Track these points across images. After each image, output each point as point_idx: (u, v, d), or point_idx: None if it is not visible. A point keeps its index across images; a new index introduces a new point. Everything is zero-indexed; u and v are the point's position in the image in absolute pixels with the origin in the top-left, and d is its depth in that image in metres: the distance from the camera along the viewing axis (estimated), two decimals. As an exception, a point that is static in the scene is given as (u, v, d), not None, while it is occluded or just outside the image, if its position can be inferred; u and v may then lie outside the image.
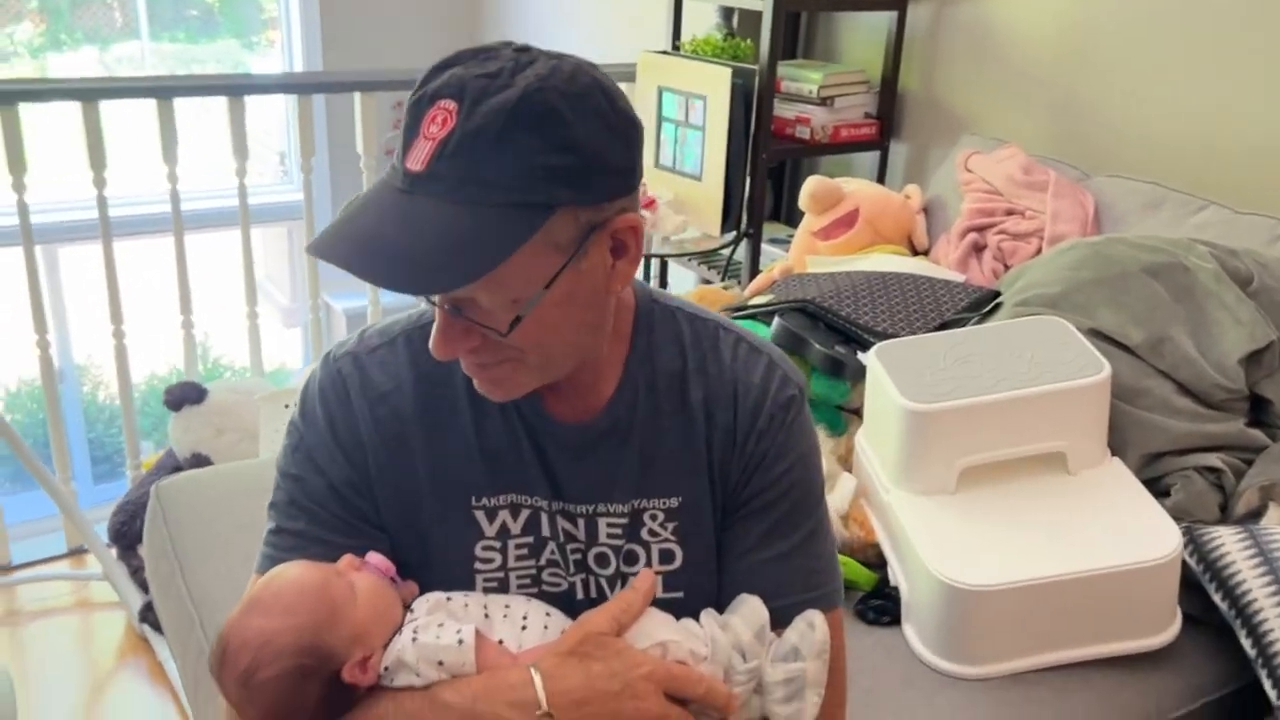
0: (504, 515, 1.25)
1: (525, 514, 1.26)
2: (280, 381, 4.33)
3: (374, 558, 1.21)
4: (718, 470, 1.24)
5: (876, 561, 1.79)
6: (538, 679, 1.11)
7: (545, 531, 1.26)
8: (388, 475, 1.23)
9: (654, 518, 1.26)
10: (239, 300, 3.47)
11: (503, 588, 1.27)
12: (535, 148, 0.88)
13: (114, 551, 3.19)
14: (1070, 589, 1.51)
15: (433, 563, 1.25)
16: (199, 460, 3.06)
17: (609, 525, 1.25)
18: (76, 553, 3.49)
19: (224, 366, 5.53)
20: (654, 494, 1.25)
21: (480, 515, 1.25)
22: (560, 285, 0.98)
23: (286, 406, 2.99)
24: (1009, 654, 1.55)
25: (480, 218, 0.88)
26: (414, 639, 1.13)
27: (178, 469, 3.09)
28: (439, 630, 1.14)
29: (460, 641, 1.12)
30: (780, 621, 1.18)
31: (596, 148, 0.91)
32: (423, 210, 0.89)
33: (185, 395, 3.10)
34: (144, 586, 3.02)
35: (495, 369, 1.11)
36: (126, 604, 3.11)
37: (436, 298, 1.04)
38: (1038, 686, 1.56)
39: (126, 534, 3.11)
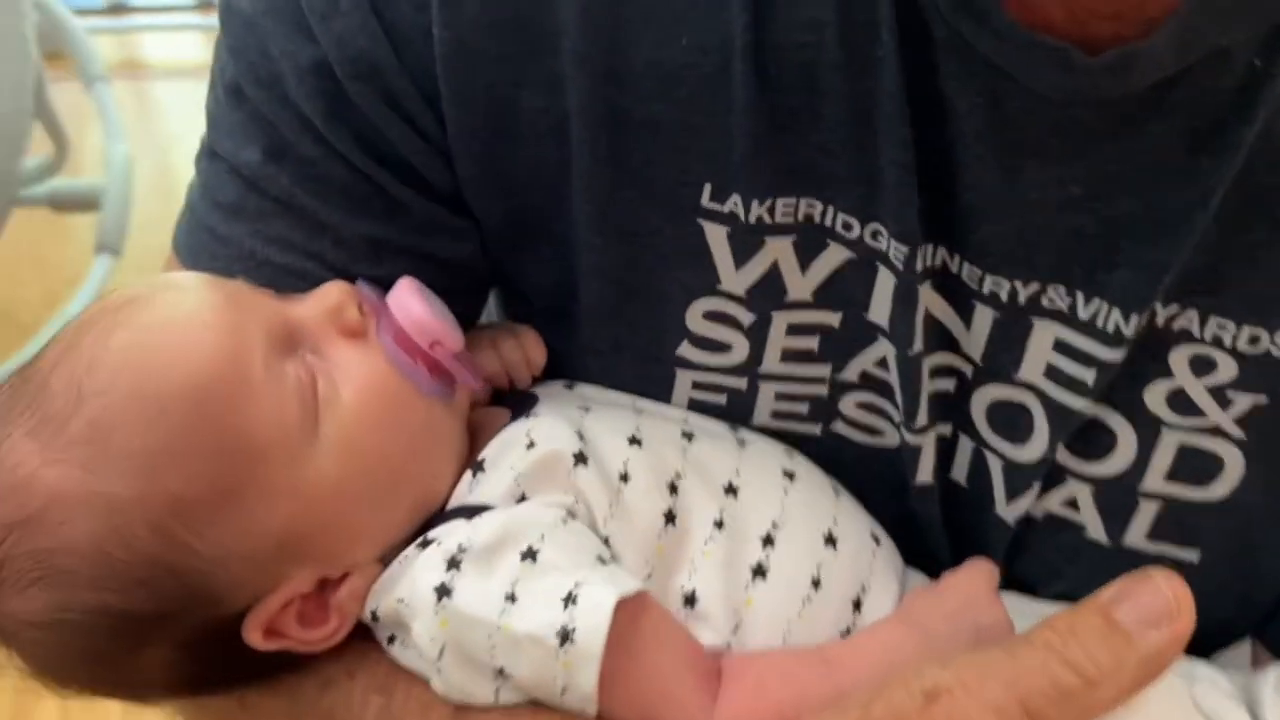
0: (777, 247, 0.45)
1: (839, 257, 0.45)
2: None
3: (406, 295, 0.46)
4: None
5: None
6: None
7: (881, 311, 0.46)
8: (477, 75, 0.44)
9: (1203, 366, 0.43)
10: None
11: (734, 412, 0.50)
12: None
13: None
14: None
15: (576, 329, 0.49)
16: None
17: (1067, 347, 0.44)
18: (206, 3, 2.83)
19: None
20: (1248, 304, 0.41)
21: (715, 232, 0.45)
22: None
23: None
24: None
25: None
26: (440, 586, 0.40)
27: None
28: (517, 571, 0.40)
29: (565, 634, 0.38)
30: None
31: None
32: None
33: None
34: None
35: None
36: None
37: None
38: None
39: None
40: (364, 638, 0.44)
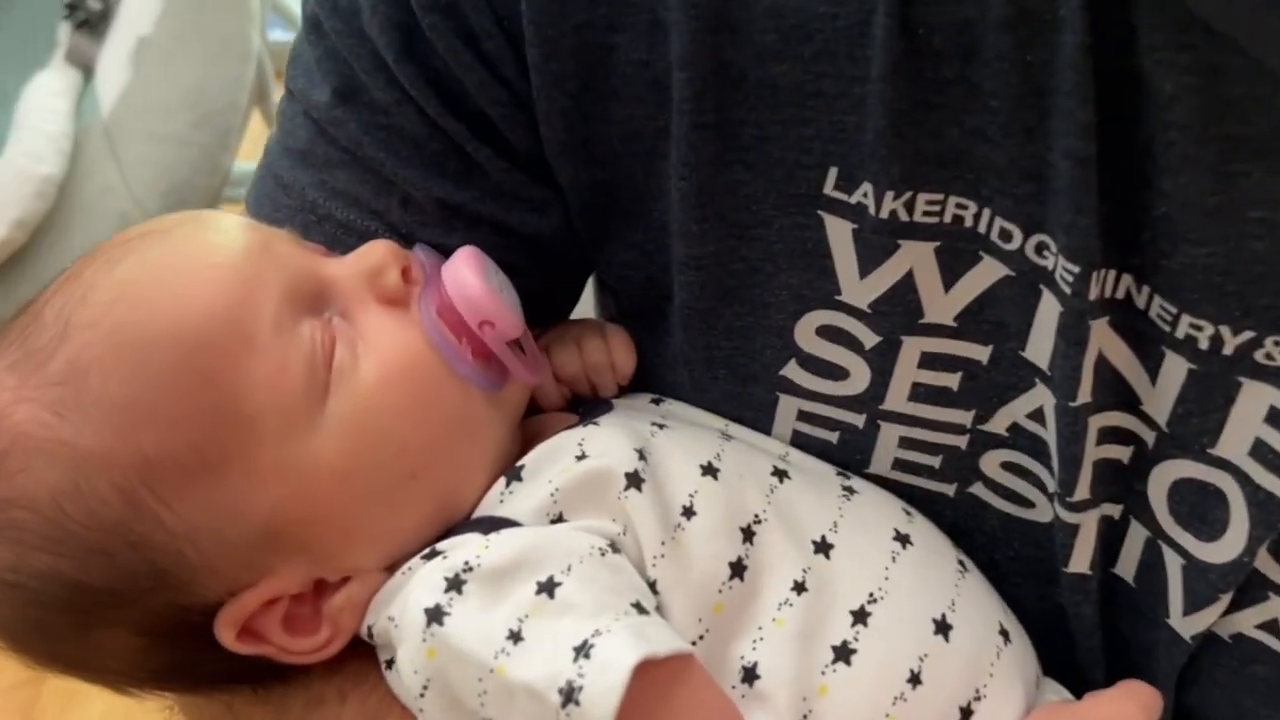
0: (914, 254, 0.36)
1: (992, 274, 0.37)
2: None
3: (462, 265, 0.39)
4: None
5: None
6: None
7: (1041, 348, 0.37)
8: (567, 15, 0.37)
9: None
10: None
11: (846, 455, 0.41)
12: None
13: None
14: None
15: (668, 336, 0.42)
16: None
17: None
18: None
19: None
20: None
21: (838, 228, 0.37)
22: None
23: None
24: None
25: None
26: (434, 608, 0.33)
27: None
28: (529, 605, 0.32)
29: (570, 692, 0.30)
30: None
31: None
32: None
33: None
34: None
35: None
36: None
37: None
38: None
39: None
40: (369, 655, 0.38)
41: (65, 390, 0.33)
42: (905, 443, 0.41)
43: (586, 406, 0.42)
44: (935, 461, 0.41)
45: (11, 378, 0.34)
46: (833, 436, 0.41)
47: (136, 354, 0.34)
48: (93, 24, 1.43)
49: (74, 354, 0.34)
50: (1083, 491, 0.38)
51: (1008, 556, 0.42)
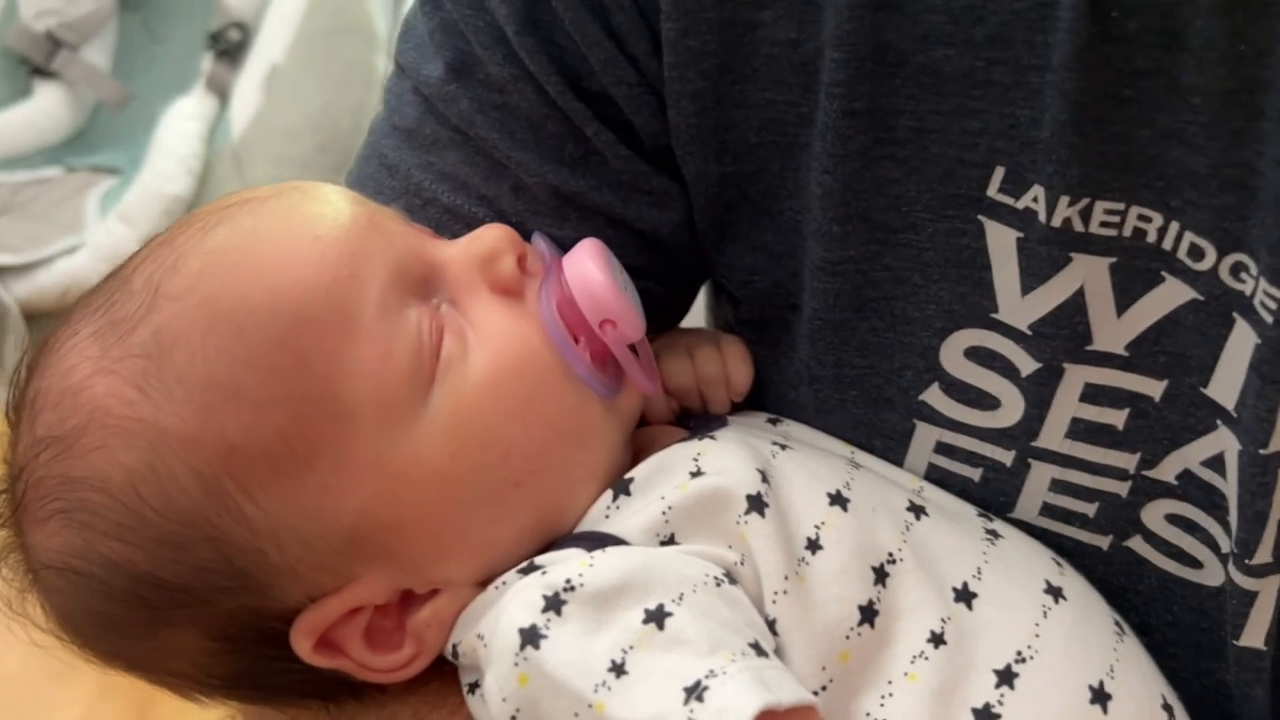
0: (1087, 269, 0.32)
1: (1176, 296, 0.32)
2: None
3: (585, 258, 0.35)
4: None
5: None
6: None
7: (1229, 385, 0.32)
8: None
9: None
10: None
11: (989, 495, 0.36)
12: None
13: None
14: None
15: (792, 351, 0.38)
16: None
17: None
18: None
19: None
20: None
21: (1001, 236, 0.33)
22: None
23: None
24: None
25: None
26: (529, 629, 0.29)
27: None
28: (635, 635, 0.29)
29: None
30: None
31: None
32: None
33: None
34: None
35: None
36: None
37: None
38: None
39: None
40: (450, 676, 0.34)
41: (149, 364, 0.31)
42: (1057, 486, 0.36)
43: (698, 422, 0.39)
44: (1090, 509, 0.36)
45: (93, 347, 0.32)
46: (974, 473, 0.37)
47: (228, 329, 0.31)
48: (231, 53, 1.49)
49: (161, 325, 0.31)
50: (1265, 554, 0.33)
51: (1165, 622, 0.37)
